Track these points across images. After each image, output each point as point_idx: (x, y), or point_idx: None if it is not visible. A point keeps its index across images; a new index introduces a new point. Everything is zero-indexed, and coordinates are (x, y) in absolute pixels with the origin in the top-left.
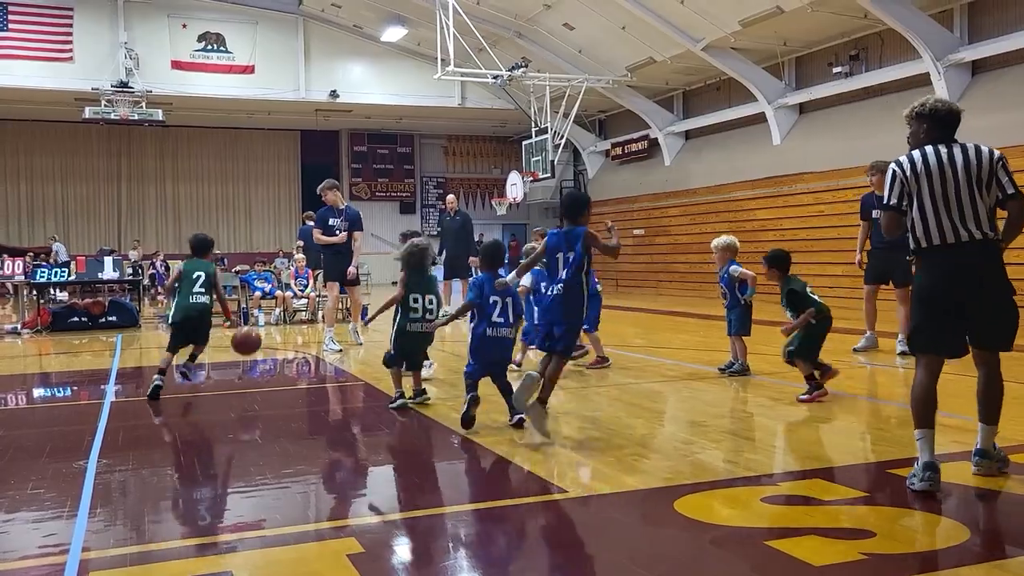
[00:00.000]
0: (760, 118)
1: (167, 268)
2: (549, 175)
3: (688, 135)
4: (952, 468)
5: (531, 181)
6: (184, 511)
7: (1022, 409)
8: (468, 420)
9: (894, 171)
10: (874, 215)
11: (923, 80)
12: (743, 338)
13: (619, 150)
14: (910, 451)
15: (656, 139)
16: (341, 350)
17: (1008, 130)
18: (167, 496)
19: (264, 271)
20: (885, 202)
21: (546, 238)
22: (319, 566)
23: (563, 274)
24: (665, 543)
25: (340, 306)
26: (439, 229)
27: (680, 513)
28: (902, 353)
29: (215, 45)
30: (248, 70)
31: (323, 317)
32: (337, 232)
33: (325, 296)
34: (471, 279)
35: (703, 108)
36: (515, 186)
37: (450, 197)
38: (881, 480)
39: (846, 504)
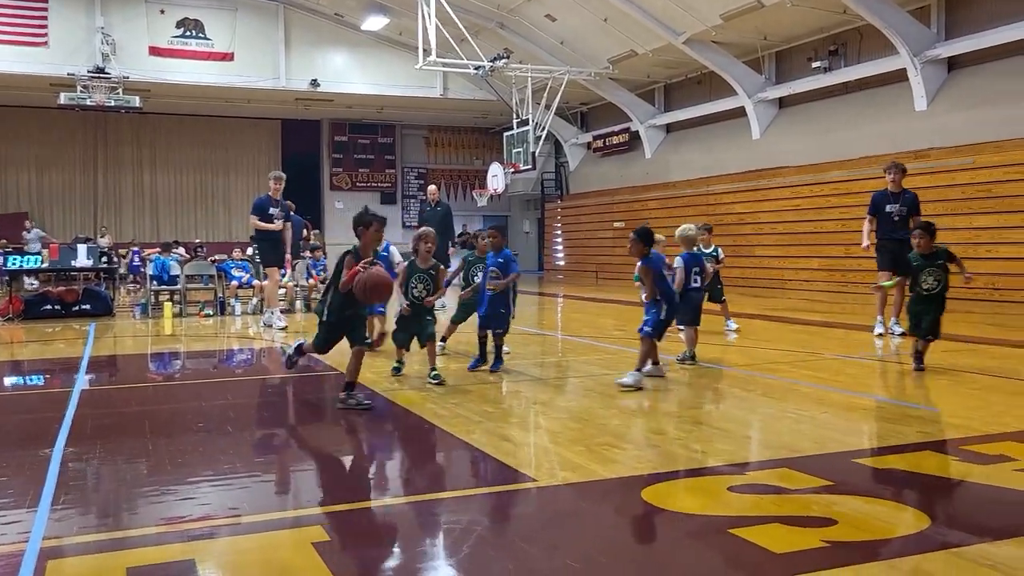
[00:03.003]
0: (740, 112)
1: (142, 260)
2: (530, 167)
3: (669, 128)
4: (915, 458)
5: (512, 173)
6: (150, 498)
7: (989, 400)
8: None
9: None
10: (887, 209)
11: (900, 76)
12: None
13: (600, 142)
14: (877, 442)
15: (637, 132)
16: (286, 327)
17: (983, 126)
18: (133, 484)
19: (242, 260)
20: None
21: None
22: (285, 554)
23: None
24: (630, 531)
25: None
26: (420, 219)
27: (647, 502)
28: (902, 334)
29: (194, 31)
30: (227, 57)
31: (264, 300)
32: (275, 221)
33: (302, 285)
34: None
35: (684, 101)
36: (496, 177)
37: (431, 188)
38: (847, 470)
39: (811, 493)
